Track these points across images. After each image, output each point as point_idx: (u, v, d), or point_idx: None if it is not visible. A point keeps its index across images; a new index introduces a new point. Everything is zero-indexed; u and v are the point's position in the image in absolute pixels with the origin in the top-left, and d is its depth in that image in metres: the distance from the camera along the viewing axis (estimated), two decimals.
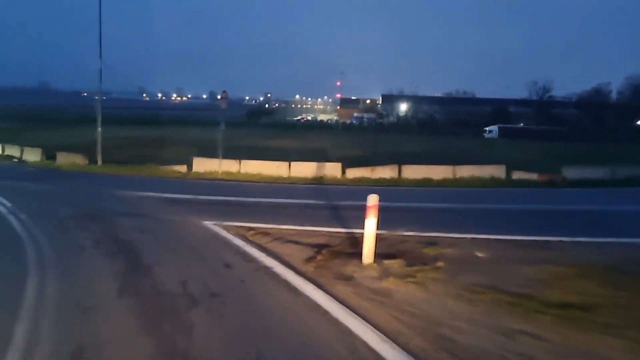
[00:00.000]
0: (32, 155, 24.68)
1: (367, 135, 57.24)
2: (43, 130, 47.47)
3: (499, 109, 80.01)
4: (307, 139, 44.31)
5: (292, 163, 21.21)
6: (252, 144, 36.80)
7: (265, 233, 9.46)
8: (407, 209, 12.93)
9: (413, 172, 20.46)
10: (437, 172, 20.32)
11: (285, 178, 20.40)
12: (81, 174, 20.94)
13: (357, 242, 8.43)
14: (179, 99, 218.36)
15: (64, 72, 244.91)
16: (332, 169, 20.88)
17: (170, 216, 11.37)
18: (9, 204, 12.37)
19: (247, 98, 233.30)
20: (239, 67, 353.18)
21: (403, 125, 74.59)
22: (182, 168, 21.88)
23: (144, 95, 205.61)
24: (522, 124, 72.34)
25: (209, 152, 23.30)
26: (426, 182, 19.49)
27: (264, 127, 66.50)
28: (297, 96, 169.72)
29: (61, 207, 12.46)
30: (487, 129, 69.45)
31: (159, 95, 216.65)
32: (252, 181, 19.52)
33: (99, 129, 23.12)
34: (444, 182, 19.43)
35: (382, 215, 7.36)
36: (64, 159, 23.67)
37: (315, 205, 13.35)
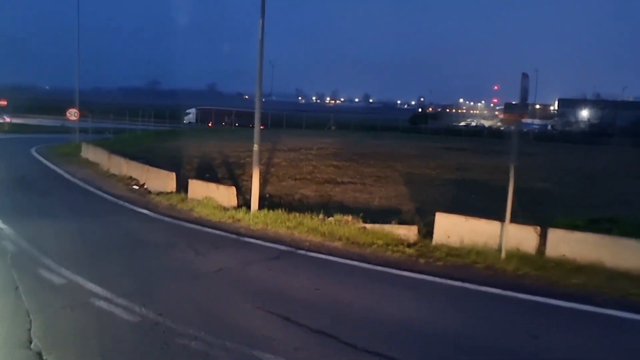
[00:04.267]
0: (160, 182, 15.46)
1: (592, 152, 41.26)
2: (204, 135, 40.49)
3: None
4: (540, 157, 30.50)
5: None
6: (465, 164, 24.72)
7: None
8: None
9: None
10: None
11: None
12: (221, 238, 10.62)
13: None
14: (332, 101, 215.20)
15: (228, 76, 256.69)
16: None
17: None
18: None
19: (398, 102, 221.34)
20: (391, 69, 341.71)
21: (595, 134, 57.37)
22: (410, 231, 10.56)
23: (299, 97, 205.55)
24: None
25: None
26: None
27: (435, 135, 53.31)
28: (462, 99, 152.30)
29: None
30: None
31: (314, 98, 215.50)
32: None
33: (256, 146, 12.79)
34: None
35: None
36: (199, 191, 13.88)
37: None
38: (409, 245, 9.97)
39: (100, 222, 11.62)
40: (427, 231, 10.57)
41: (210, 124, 56.70)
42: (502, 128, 76.81)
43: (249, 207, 12.59)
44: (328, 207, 13.48)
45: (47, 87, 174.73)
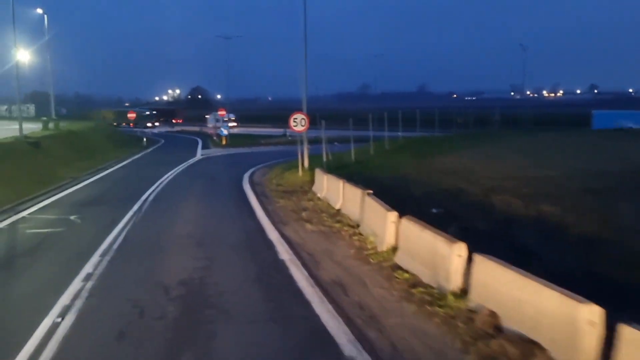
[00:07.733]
0: (556, 330, 4.45)
1: None
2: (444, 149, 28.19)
3: None
4: None
5: None
6: None
7: None
8: None
9: None
10: None
11: None
12: None
13: None
14: (552, 95, 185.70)
15: (438, 75, 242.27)
16: None
17: None
18: None
19: (630, 90, 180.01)
20: (616, 53, 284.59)
21: None
22: None
23: (512, 93, 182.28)
24: None
25: None
26: None
27: None
28: None
29: None
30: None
31: (528, 92, 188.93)
32: None
33: None
34: None
35: None
36: None
37: None
38: None
39: None
40: None
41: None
42: None
43: None
44: None
45: (270, 99, 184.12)
